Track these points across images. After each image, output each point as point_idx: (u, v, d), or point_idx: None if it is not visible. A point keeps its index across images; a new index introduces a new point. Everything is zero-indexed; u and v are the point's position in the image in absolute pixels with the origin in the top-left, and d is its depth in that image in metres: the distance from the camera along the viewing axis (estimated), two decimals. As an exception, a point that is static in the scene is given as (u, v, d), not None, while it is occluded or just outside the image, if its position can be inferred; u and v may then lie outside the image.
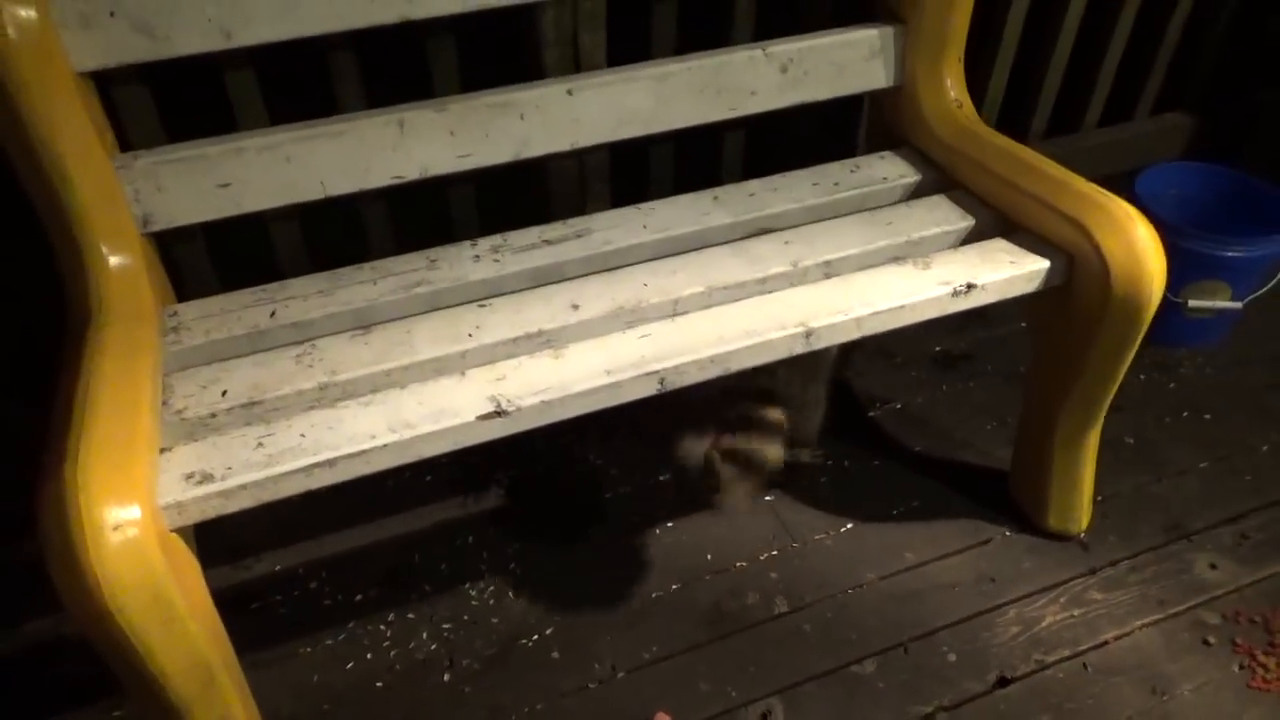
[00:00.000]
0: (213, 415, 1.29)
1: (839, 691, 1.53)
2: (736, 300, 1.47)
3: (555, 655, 1.57)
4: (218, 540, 1.74)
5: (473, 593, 1.67)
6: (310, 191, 1.51)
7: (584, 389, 1.31)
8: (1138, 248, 1.43)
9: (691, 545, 1.75)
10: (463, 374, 1.34)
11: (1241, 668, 1.56)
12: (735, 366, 1.39)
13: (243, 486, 1.18)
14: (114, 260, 1.37)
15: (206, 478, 1.18)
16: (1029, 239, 1.56)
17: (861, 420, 2.01)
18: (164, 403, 1.30)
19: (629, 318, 1.44)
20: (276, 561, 1.71)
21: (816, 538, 1.77)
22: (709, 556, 1.73)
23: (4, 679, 1.55)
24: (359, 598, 1.66)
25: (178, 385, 1.33)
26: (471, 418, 1.27)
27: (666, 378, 1.35)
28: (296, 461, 1.21)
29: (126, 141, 1.54)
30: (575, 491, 1.85)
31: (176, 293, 1.57)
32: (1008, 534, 1.78)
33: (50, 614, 1.62)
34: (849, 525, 1.79)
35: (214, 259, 1.72)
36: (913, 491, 1.86)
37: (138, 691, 1.19)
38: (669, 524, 1.79)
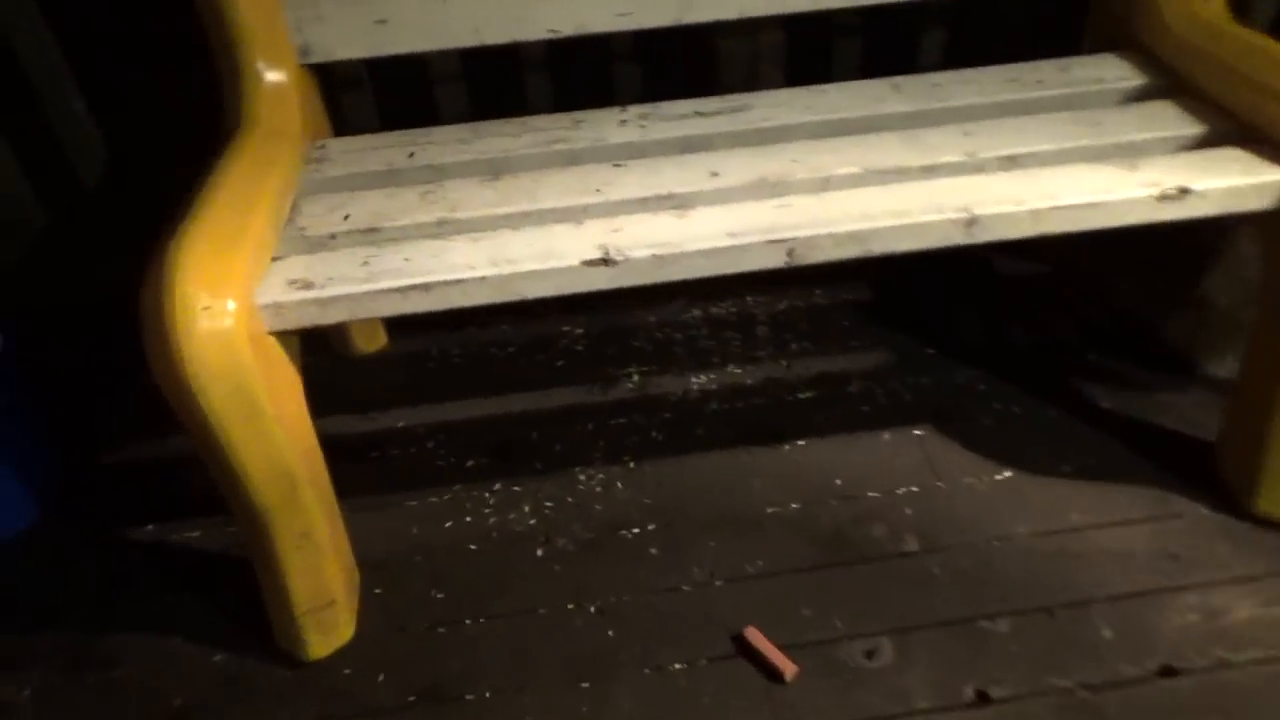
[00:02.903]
0: (332, 236, 1.28)
1: (961, 644, 1.33)
2: (894, 184, 1.31)
3: (653, 552, 1.48)
4: (349, 392, 1.78)
5: (581, 477, 1.60)
6: (464, 37, 1.49)
7: (702, 248, 1.20)
8: None
9: (821, 466, 1.60)
10: (579, 224, 1.26)
11: None
12: (877, 248, 1.23)
13: (339, 298, 1.17)
14: (268, 78, 1.40)
15: (307, 285, 1.18)
16: (1272, 150, 1.28)
17: (1042, 360, 1.77)
18: (290, 220, 1.31)
19: (770, 190, 1.31)
20: (400, 419, 1.72)
21: (966, 480, 1.56)
22: (838, 481, 1.57)
23: (145, 485, 1.65)
24: (470, 463, 1.64)
25: (306, 207, 1.34)
26: (576, 262, 1.19)
27: (796, 249, 1.21)
28: (394, 281, 1.18)
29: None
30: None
31: (337, 133, 1.60)
32: (1203, 511, 1.50)
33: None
34: (1006, 473, 1.57)
35: (380, 110, 1.74)
36: (1091, 448, 1.61)
37: (228, 490, 1.21)
38: (800, 441, 1.64)
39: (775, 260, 1.22)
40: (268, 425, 1.16)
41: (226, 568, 1.49)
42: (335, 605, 1.34)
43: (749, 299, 1.96)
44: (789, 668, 1.31)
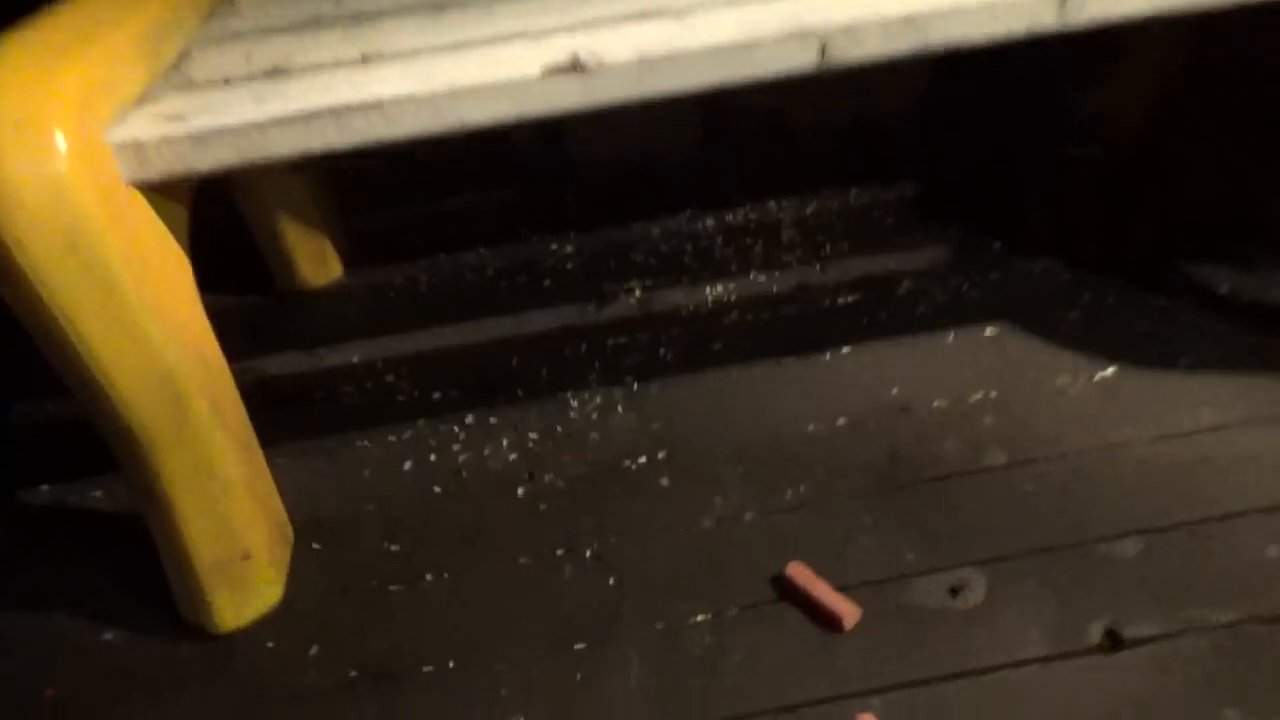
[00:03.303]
0: (226, 80, 0.99)
1: (1077, 574, 1.01)
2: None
3: (663, 484, 1.17)
4: (293, 330, 1.48)
5: (574, 404, 1.30)
6: None
7: (702, 46, 0.90)
8: None
9: (872, 377, 1.28)
10: (543, 39, 0.97)
11: None
12: (939, 37, 0.92)
13: (220, 132, 0.87)
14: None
15: (178, 118, 0.89)
16: None
17: (1133, 247, 1.44)
18: (175, 67, 1.03)
19: (790, -12, 1.01)
20: (355, 353, 1.43)
21: (1058, 382, 1.24)
22: (894, 391, 1.25)
23: (41, 443, 1.36)
24: (437, 396, 1.34)
25: (201, 55, 1.06)
26: (536, 71, 0.89)
27: (831, 42, 0.91)
28: (294, 105, 0.88)
29: None
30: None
31: None
32: (1367, 401, 1.17)
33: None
34: (1107, 371, 1.25)
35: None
36: (1211, 338, 1.28)
37: (89, 408, 0.92)
38: (843, 349, 1.33)
39: (803, 59, 0.91)
40: (133, 316, 0.87)
41: (133, 532, 1.18)
42: (252, 561, 1.04)
43: (771, 203, 1.65)
44: (849, 612, 0.99)
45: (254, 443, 1.07)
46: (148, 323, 0.88)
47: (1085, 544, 1.04)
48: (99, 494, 1.25)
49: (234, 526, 1.01)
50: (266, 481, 1.10)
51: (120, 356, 0.88)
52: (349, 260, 1.60)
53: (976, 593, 1.01)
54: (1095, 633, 0.95)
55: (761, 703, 0.93)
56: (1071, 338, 1.30)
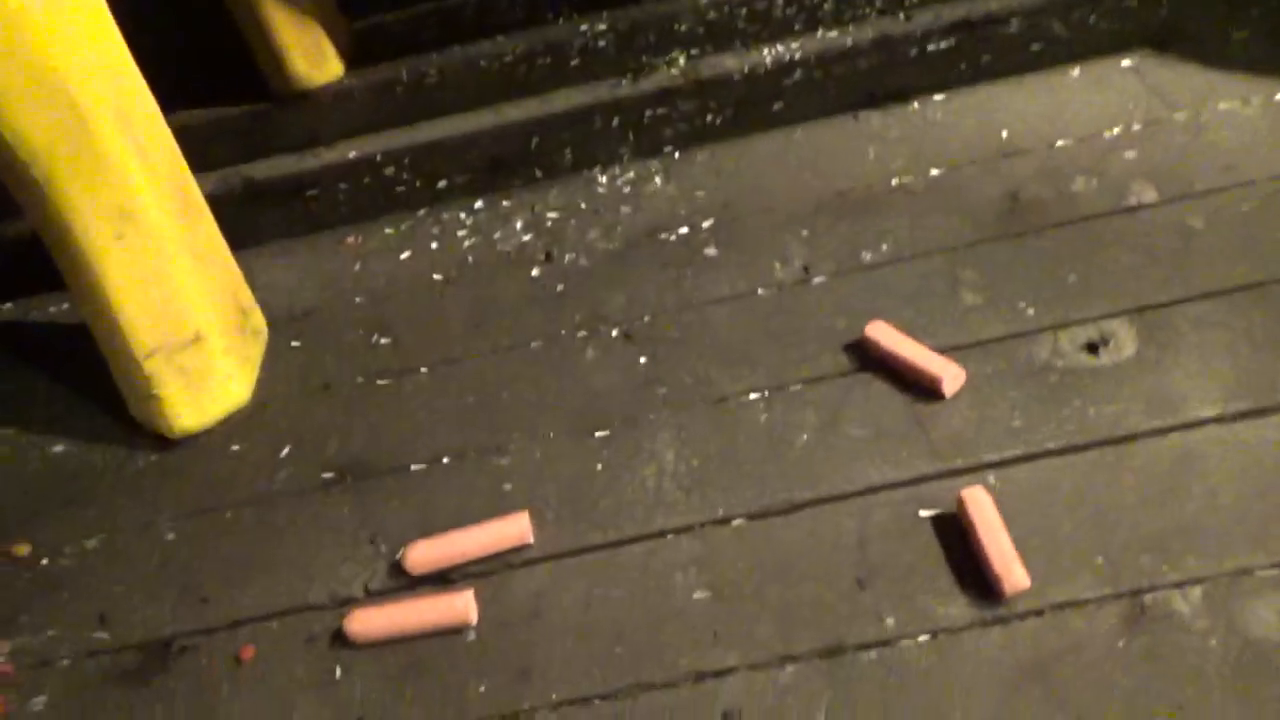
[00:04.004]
0: None
1: (1257, 319, 0.75)
2: None
3: (710, 253, 0.94)
4: (285, 131, 1.28)
5: (601, 179, 1.08)
6: None
7: None
8: None
9: (972, 123, 1.02)
10: None
11: None
12: None
13: None
14: None
15: None
16: None
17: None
18: None
19: None
20: (352, 149, 1.22)
21: (1222, 107, 0.96)
22: (1004, 133, 0.99)
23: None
24: (443, 184, 1.13)
25: None
26: None
27: None
28: None
29: None
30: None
31: None
32: None
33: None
34: (1288, 90, 0.96)
35: None
36: None
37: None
38: (935, 96, 1.06)
39: None
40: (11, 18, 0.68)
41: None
42: (205, 345, 0.85)
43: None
44: (950, 374, 0.75)
45: (199, 203, 0.89)
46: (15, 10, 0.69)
47: (1263, 284, 0.78)
48: (65, 306, 1.09)
49: (174, 297, 0.83)
50: (218, 251, 0.91)
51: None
52: (351, 60, 1.39)
53: (1125, 345, 0.76)
54: (1293, 384, 0.70)
55: (833, 485, 0.71)
56: (1235, 61, 1.01)
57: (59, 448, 0.90)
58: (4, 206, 1.26)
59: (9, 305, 1.12)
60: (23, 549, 0.81)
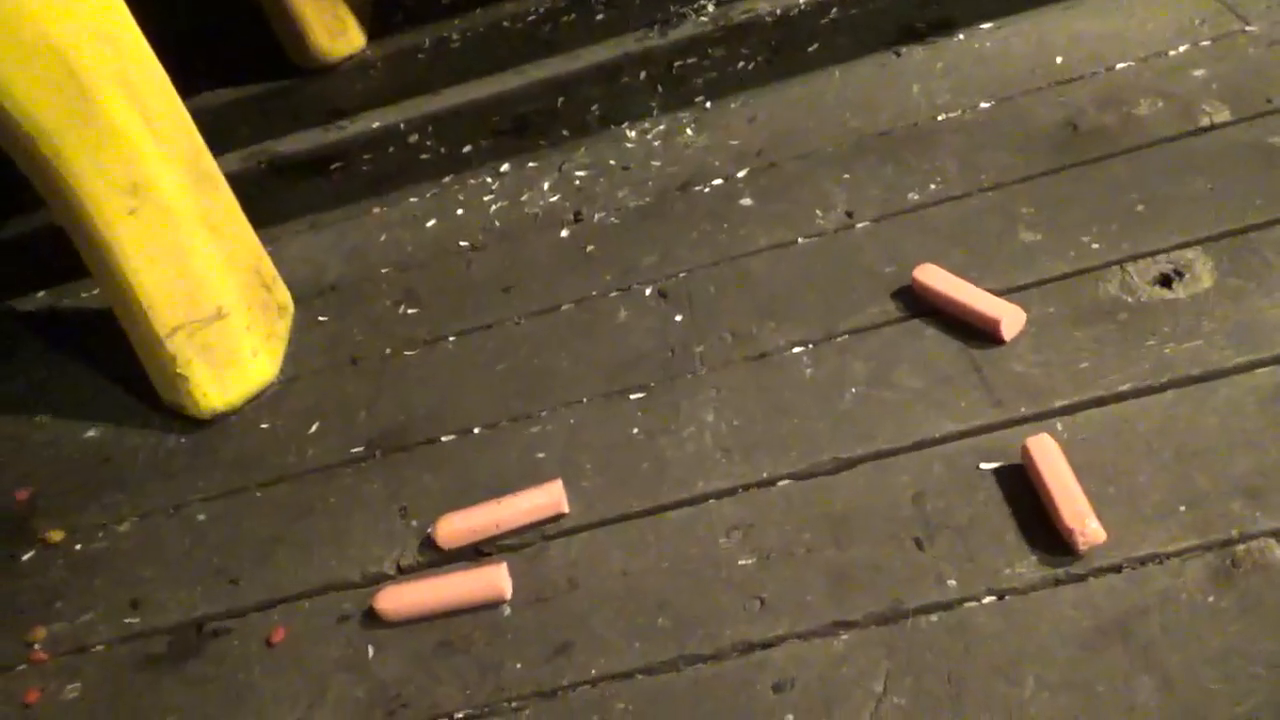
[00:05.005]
0: None
1: (1354, 245, 0.68)
2: None
3: (746, 203, 0.89)
4: (308, 105, 1.26)
5: (631, 134, 1.03)
6: None
7: None
8: None
9: (1021, 51, 0.95)
10: None
11: None
12: None
13: None
14: None
15: None
16: None
17: None
18: None
19: None
20: (376, 119, 1.19)
21: (1303, 14, 0.88)
22: (1058, 60, 0.92)
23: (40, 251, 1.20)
24: (467, 149, 1.09)
25: None
26: None
27: None
28: None
29: None
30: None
31: None
32: None
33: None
34: (1380, -8, 0.87)
35: None
36: None
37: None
38: (983, 25, 1.00)
39: None
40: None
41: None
42: (229, 322, 0.83)
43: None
44: (1010, 316, 0.70)
45: (214, 175, 0.86)
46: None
47: (1364, 206, 0.71)
48: (96, 291, 1.08)
49: (193, 272, 0.80)
50: (237, 224, 0.88)
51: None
52: (372, 30, 1.36)
53: (1201, 277, 0.69)
54: (1402, 307, 0.63)
55: (886, 440, 0.66)
56: (1318, -35, 0.93)
57: (92, 433, 0.89)
58: (34, 197, 1.26)
59: (42, 294, 1.12)
60: (57, 535, 0.80)
